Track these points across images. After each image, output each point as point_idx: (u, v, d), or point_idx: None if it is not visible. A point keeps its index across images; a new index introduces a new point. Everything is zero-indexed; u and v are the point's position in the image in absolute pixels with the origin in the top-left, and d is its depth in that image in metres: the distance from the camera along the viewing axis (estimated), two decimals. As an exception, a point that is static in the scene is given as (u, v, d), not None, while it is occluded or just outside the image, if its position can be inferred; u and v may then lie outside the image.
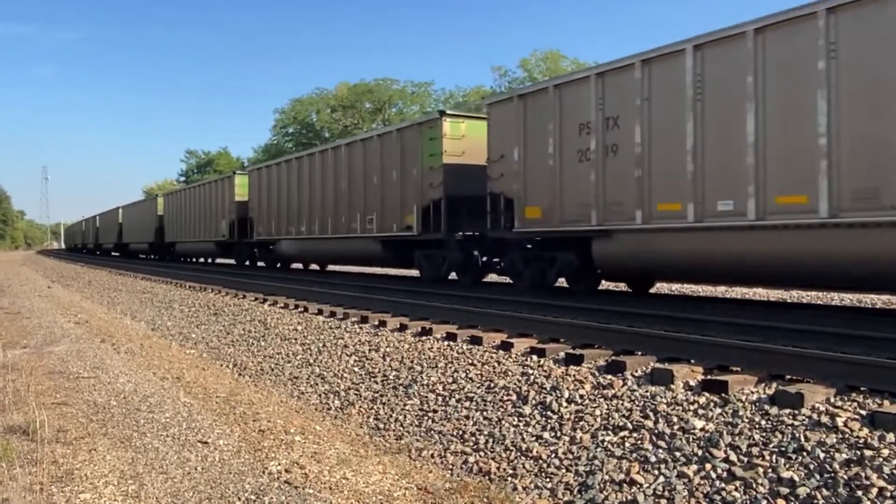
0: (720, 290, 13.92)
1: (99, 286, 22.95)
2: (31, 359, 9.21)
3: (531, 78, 49.29)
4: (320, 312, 10.92)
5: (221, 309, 13.25)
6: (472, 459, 5.21)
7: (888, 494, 3.55)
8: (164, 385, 7.94)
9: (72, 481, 4.67)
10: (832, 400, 4.57)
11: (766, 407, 4.60)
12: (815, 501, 3.66)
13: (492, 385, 6.23)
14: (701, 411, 4.79)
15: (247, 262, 27.05)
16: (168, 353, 10.34)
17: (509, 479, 4.80)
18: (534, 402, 5.68)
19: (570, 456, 4.81)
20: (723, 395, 4.91)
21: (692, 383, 5.26)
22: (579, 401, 5.46)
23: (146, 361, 9.51)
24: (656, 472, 4.34)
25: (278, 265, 24.63)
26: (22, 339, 11.27)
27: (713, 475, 4.11)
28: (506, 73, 53.97)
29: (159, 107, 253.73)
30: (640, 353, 6.24)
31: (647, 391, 5.28)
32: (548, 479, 4.65)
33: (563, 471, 4.68)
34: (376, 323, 9.32)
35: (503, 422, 5.57)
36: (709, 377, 5.24)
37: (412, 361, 7.41)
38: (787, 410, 4.49)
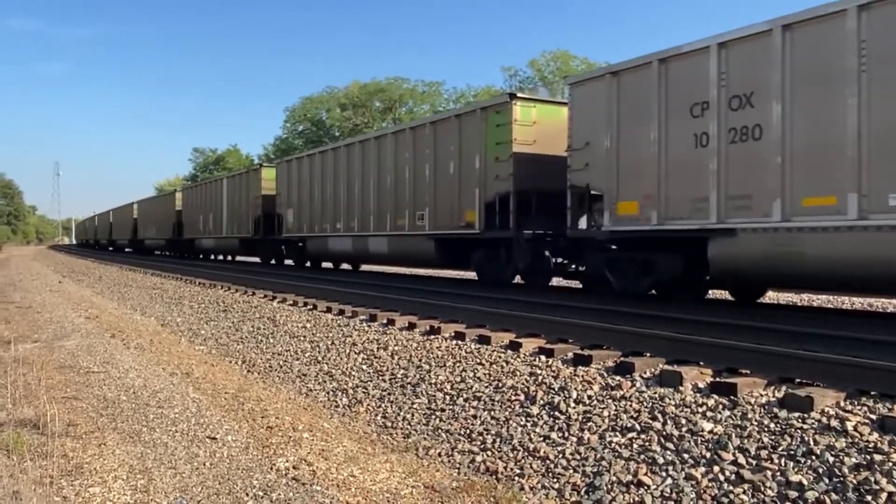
0: (728, 293, 13.84)
1: (109, 282, 23.07)
2: (41, 353, 9.27)
3: (541, 78, 49.21)
4: (329, 310, 10.95)
5: (231, 306, 13.30)
6: (479, 459, 5.22)
7: (898, 499, 3.53)
8: (174, 381, 7.98)
9: (81, 475, 4.71)
10: (842, 404, 4.55)
11: (776, 410, 4.59)
12: (824, 505, 3.65)
13: (500, 385, 6.23)
14: (710, 413, 4.78)
15: (272, 261, 25.80)
16: (177, 349, 10.39)
17: (516, 478, 4.80)
18: (542, 402, 5.67)
19: (578, 456, 4.81)
20: (732, 397, 4.90)
21: (701, 385, 5.24)
22: (587, 401, 5.45)
23: (156, 357, 9.56)
24: (664, 473, 4.33)
25: (308, 264, 23.22)
26: (33, 333, 11.36)
27: (721, 478, 4.10)
28: (516, 73, 53.95)
29: (171, 104, 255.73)
30: (648, 354, 6.23)
31: (655, 393, 5.26)
32: (555, 480, 4.64)
33: (571, 471, 4.68)
34: (385, 321, 9.34)
35: (511, 422, 5.57)
36: (718, 379, 5.22)
37: (420, 360, 7.42)
38: (797, 414, 4.47)
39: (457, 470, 5.15)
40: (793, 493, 3.79)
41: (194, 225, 34.13)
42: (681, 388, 5.24)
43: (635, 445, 4.70)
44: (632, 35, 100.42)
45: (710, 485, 4.08)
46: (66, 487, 4.45)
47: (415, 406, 6.46)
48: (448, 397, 6.39)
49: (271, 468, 5.00)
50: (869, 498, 3.58)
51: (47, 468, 4.66)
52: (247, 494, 4.49)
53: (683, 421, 4.77)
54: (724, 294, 13.27)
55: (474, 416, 5.88)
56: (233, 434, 5.83)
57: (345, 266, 23.45)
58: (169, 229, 37.98)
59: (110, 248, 57.23)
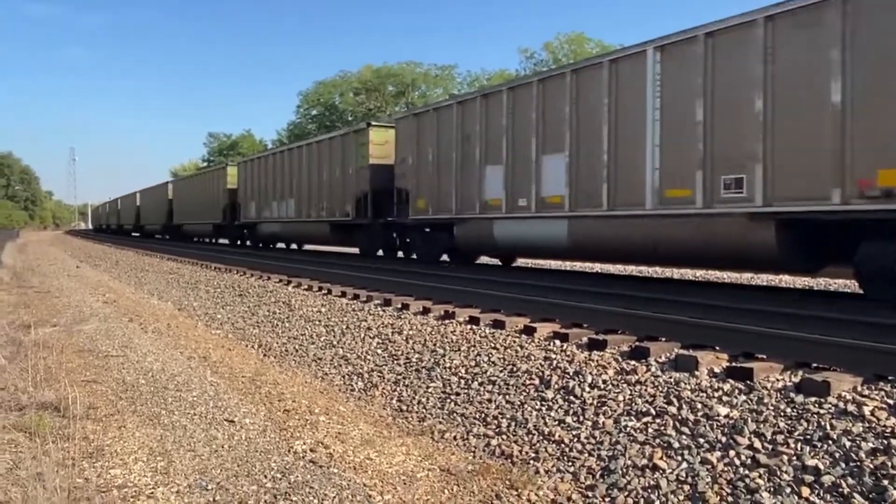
0: (745, 277, 13.78)
1: (126, 266, 23.27)
2: (61, 337, 9.37)
3: (556, 60, 48.84)
4: (344, 295, 11.00)
5: (246, 290, 13.39)
6: (494, 442, 5.24)
7: (915, 484, 3.52)
8: (191, 364, 8.06)
9: (102, 457, 4.77)
10: (859, 389, 4.53)
11: (792, 395, 4.58)
12: (841, 490, 3.65)
13: (514, 369, 6.25)
14: (725, 398, 4.78)
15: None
16: (194, 333, 10.48)
17: (532, 462, 4.82)
18: (556, 386, 5.69)
19: (593, 440, 4.83)
20: (748, 382, 4.89)
21: (717, 370, 5.24)
22: (602, 386, 5.46)
23: (173, 341, 9.65)
24: (679, 457, 4.33)
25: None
26: (52, 317, 11.48)
27: (737, 462, 4.10)
28: (532, 55, 53.49)
29: (185, 90, 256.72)
30: (664, 339, 6.22)
31: (670, 377, 5.26)
32: (570, 464, 4.67)
33: (586, 455, 4.70)
34: (399, 306, 9.37)
35: (526, 406, 5.59)
36: (734, 364, 5.21)
37: (435, 344, 7.45)
38: (813, 399, 4.46)
39: (472, 453, 5.18)
40: (809, 478, 3.79)
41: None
42: (696, 373, 5.23)
43: (650, 430, 4.71)
44: (651, 14, 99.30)
45: (725, 469, 4.09)
46: (87, 469, 4.52)
47: (430, 390, 6.50)
48: (463, 381, 6.42)
49: (289, 451, 5.05)
50: (885, 482, 3.58)
51: (69, 450, 4.73)
52: (265, 476, 4.54)
53: (699, 405, 4.77)
54: (732, 278, 13.19)
55: (489, 401, 5.90)
56: (250, 417, 5.89)
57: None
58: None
59: (166, 237, 40.66)
